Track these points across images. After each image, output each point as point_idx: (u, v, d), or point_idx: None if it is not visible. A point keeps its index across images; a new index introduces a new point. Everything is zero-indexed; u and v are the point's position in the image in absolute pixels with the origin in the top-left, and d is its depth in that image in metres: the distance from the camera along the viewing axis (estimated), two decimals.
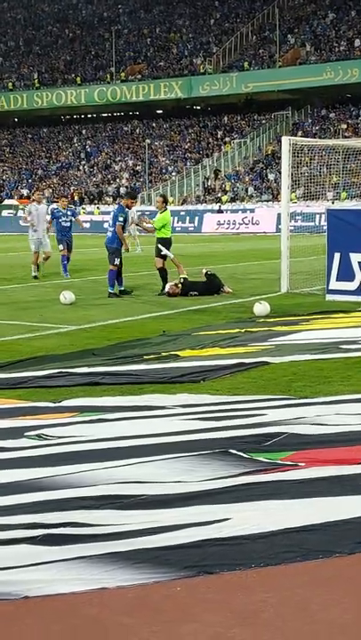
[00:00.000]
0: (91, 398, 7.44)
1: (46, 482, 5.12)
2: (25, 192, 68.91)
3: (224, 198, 57.71)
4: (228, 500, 4.77)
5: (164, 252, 16.12)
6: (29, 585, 3.76)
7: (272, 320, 12.10)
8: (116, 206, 17.08)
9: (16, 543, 4.19)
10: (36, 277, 19.39)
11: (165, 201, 16.83)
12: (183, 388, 7.80)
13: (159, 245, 16.19)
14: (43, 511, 4.59)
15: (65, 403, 7.28)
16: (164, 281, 16.09)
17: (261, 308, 12.73)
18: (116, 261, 15.85)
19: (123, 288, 16.12)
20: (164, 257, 16.19)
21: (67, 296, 14.65)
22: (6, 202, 66.42)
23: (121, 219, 16.04)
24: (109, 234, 16.22)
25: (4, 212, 61.74)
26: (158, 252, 16.23)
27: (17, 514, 4.57)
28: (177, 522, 4.44)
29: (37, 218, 19.82)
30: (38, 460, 5.61)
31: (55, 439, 6.12)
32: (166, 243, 16.27)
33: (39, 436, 6.19)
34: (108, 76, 73.04)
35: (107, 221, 19.81)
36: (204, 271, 16.36)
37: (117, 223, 16.04)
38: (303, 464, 5.41)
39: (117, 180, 66.23)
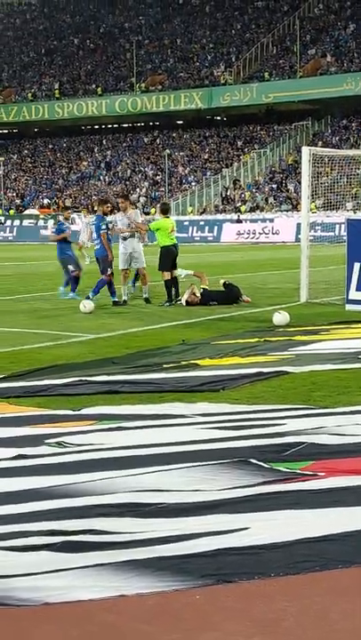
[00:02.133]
0: (110, 406, 7.46)
1: (66, 489, 5.14)
2: (46, 202, 69.26)
3: (243, 208, 57.74)
4: (247, 509, 4.76)
5: (180, 272, 16.17)
6: (49, 591, 3.77)
7: (292, 329, 12.08)
8: (94, 217, 16.81)
9: (36, 550, 4.21)
10: (125, 302, 16.15)
11: (164, 210, 17.03)
12: (203, 397, 7.80)
13: (179, 271, 16.21)
14: (62, 518, 4.61)
15: (85, 411, 7.30)
16: (169, 293, 16.08)
17: (281, 317, 12.71)
18: (109, 271, 15.87)
19: (116, 299, 16.01)
20: (171, 268, 16.26)
21: (86, 305, 14.71)
22: (27, 211, 66.77)
23: (104, 226, 16.04)
24: (98, 246, 16.18)
25: (25, 222, 62.06)
26: (166, 265, 16.24)
27: (37, 521, 4.58)
28: (196, 530, 4.43)
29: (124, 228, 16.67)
30: (58, 467, 5.63)
31: (75, 447, 6.13)
32: (163, 252, 16.33)
33: (59, 444, 6.20)
34: (129, 86, 73.35)
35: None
36: (222, 281, 16.38)
37: (101, 232, 16.02)
38: (323, 474, 5.39)
39: (137, 189, 66.40)
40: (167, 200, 55.92)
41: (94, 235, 16.47)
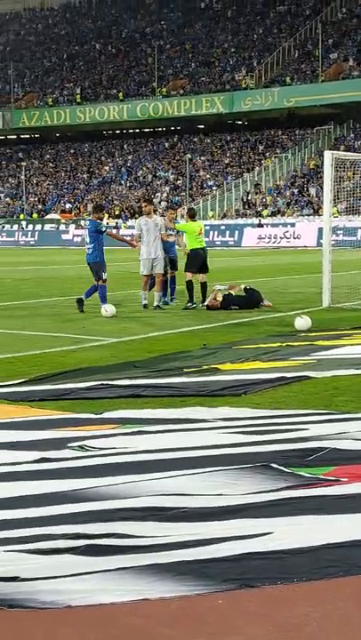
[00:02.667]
0: (132, 410, 7.47)
1: (89, 493, 5.15)
2: (67, 206, 69.52)
3: (265, 212, 57.68)
4: (270, 514, 4.75)
5: (217, 288, 16.19)
6: (72, 594, 3.78)
7: (314, 334, 12.05)
8: (89, 222, 16.38)
9: (59, 553, 4.22)
10: (145, 306, 16.10)
11: (191, 215, 17.08)
12: (224, 402, 7.80)
13: (216, 287, 16.21)
14: (86, 522, 4.62)
15: (107, 414, 7.31)
16: (190, 295, 16.12)
17: (303, 322, 12.68)
18: (104, 276, 15.62)
19: (83, 298, 15.68)
20: (197, 271, 16.27)
21: (108, 309, 14.73)
22: (49, 216, 67.05)
23: (104, 228, 15.85)
24: (89, 250, 15.75)
25: (47, 227, 62.32)
26: (191, 267, 16.28)
27: (60, 524, 4.60)
28: (219, 535, 4.43)
29: (147, 233, 16.13)
30: (81, 470, 5.64)
31: (97, 450, 6.15)
32: (191, 254, 16.35)
33: (82, 447, 6.22)
34: (150, 91, 73.52)
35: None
36: (243, 286, 16.38)
37: (107, 230, 15.96)
38: (345, 479, 5.38)
39: (158, 194, 66.50)
40: (189, 204, 55.94)
41: (87, 239, 15.97)
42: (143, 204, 17.16)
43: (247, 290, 16.20)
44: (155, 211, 17.17)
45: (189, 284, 16.20)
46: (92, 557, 4.16)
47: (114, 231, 16.25)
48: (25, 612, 3.66)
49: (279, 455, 5.93)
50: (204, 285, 16.36)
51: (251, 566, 4.05)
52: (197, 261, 16.38)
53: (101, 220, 16.33)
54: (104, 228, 15.87)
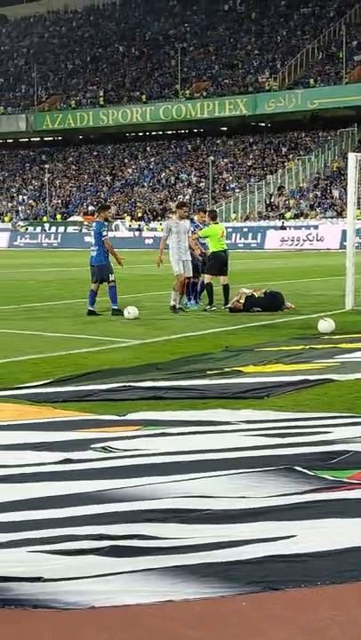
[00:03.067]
0: (155, 412, 7.48)
1: (113, 494, 5.16)
2: (90, 208, 69.73)
3: (288, 215, 57.57)
4: (294, 517, 4.74)
5: (245, 291, 16.16)
6: (96, 595, 3.79)
7: (337, 337, 12.01)
8: (95, 223, 16.23)
9: (83, 554, 4.23)
10: (179, 310, 15.86)
11: (213, 217, 17.07)
12: (247, 404, 7.79)
13: (242, 290, 16.19)
14: (109, 523, 4.63)
15: (129, 416, 7.33)
16: (210, 297, 16.14)
17: (326, 324, 12.64)
18: (112, 277, 15.52)
19: (92, 308, 15.46)
20: (217, 274, 16.27)
21: (130, 311, 14.75)
22: (72, 218, 67.30)
23: (105, 233, 15.69)
24: (94, 252, 15.70)
25: (70, 229, 62.56)
26: (212, 269, 16.28)
27: (84, 525, 4.61)
28: (242, 537, 4.43)
29: (178, 235, 16.05)
30: (104, 472, 5.65)
31: (120, 452, 6.16)
32: (212, 257, 16.37)
33: (105, 449, 6.24)
34: (174, 93, 73.59)
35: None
36: (264, 290, 16.37)
37: (103, 238, 15.58)
38: None
39: (181, 196, 66.58)
40: (211, 207, 55.95)
41: (92, 241, 15.91)
42: (178, 208, 16.95)
43: (268, 292, 16.18)
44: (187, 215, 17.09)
45: (209, 287, 16.21)
46: (116, 558, 4.16)
47: (109, 240, 15.79)
48: (49, 613, 3.67)
49: (303, 458, 5.91)
50: (226, 288, 16.35)
51: (274, 569, 4.04)
52: (219, 264, 16.41)
53: (107, 220, 16.26)
54: (104, 233, 15.67)
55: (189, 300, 16.66)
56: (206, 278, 16.36)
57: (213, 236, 16.46)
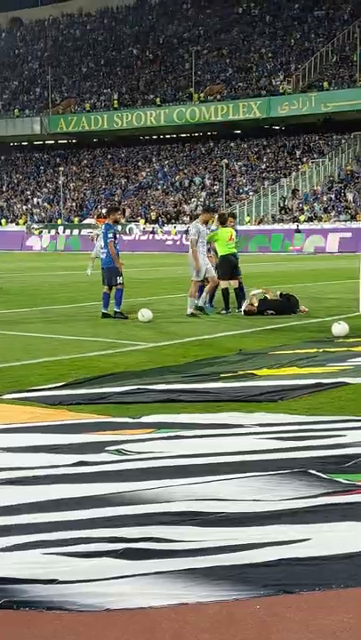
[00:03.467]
0: (169, 415, 7.49)
1: (127, 496, 5.18)
2: (104, 211, 69.78)
3: (302, 218, 57.49)
4: (308, 520, 4.74)
5: (254, 292, 16.17)
6: (110, 597, 3.80)
7: (351, 340, 11.99)
8: (104, 226, 16.12)
9: (98, 556, 4.24)
10: (193, 314, 15.76)
11: (222, 221, 16.95)
12: (261, 407, 7.79)
13: (254, 292, 16.18)
14: (124, 525, 4.64)
15: (143, 419, 7.34)
16: (226, 302, 16.11)
17: (340, 328, 12.62)
18: (120, 280, 15.54)
19: (106, 311, 15.49)
20: (228, 278, 16.27)
21: (145, 314, 14.76)
22: (86, 221, 67.40)
23: (110, 235, 15.60)
24: (103, 255, 15.73)
25: (84, 232, 62.66)
26: (224, 274, 16.27)
27: (99, 527, 4.62)
28: (256, 540, 4.43)
29: (203, 239, 16.09)
30: (119, 474, 5.67)
31: (134, 454, 6.18)
32: (221, 261, 16.39)
33: (119, 451, 6.25)
34: (188, 96, 73.62)
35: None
36: (279, 292, 16.36)
37: (108, 241, 15.58)
38: None
39: (195, 199, 66.58)
40: (224, 210, 55.93)
41: (102, 243, 15.87)
42: (206, 213, 16.95)
43: (283, 295, 16.17)
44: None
45: (225, 292, 16.20)
46: (131, 561, 4.18)
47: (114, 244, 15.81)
48: (63, 615, 3.69)
49: (317, 461, 5.91)
50: (238, 290, 16.35)
51: (288, 572, 4.05)
52: (229, 268, 16.38)
53: (117, 222, 16.22)
54: (110, 235, 15.61)
55: (209, 304, 16.58)
56: (222, 284, 16.33)
57: (221, 240, 16.44)
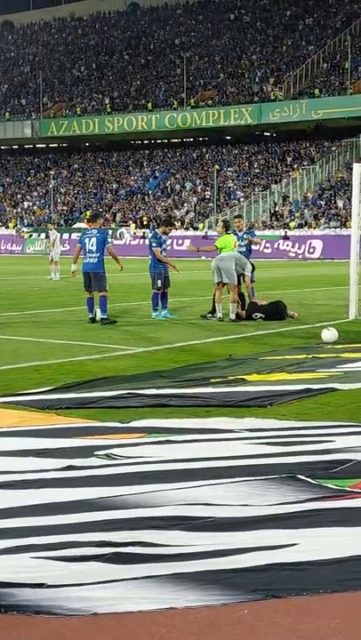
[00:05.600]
0: (158, 420, 7.49)
1: (115, 501, 5.17)
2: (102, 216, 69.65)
3: (292, 224, 57.60)
4: (295, 525, 4.75)
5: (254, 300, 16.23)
6: (98, 602, 3.80)
7: (340, 347, 12.02)
8: (96, 231, 15.95)
9: (86, 560, 4.24)
10: (221, 319, 15.80)
11: (226, 227, 17.07)
12: (250, 413, 7.80)
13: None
14: (112, 530, 4.64)
15: (133, 423, 7.34)
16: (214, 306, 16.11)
17: (329, 334, 12.65)
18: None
19: (92, 315, 15.49)
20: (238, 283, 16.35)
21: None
22: (76, 225, 67.34)
23: (109, 240, 16.28)
24: (95, 260, 15.64)
25: (74, 235, 62.60)
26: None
27: (87, 531, 4.62)
28: (244, 545, 4.44)
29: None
30: (107, 479, 5.67)
31: (124, 459, 6.17)
32: None
33: (108, 456, 6.25)
34: (179, 102, 73.72)
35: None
36: (268, 302, 16.39)
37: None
38: None
39: (186, 204, 66.63)
40: (216, 215, 55.98)
41: (93, 248, 15.62)
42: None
43: (272, 302, 16.21)
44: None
45: (242, 297, 16.27)
46: (119, 565, 4.18)
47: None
48: (51, 619, 3.68)
49: (305, 467, 5.93)
50: (242, 295, 16.44)
51: (276, 577, 4.06)
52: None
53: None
54: (109, 241, 15.94)
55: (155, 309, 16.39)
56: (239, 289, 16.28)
57: (228, 246, 16.40)
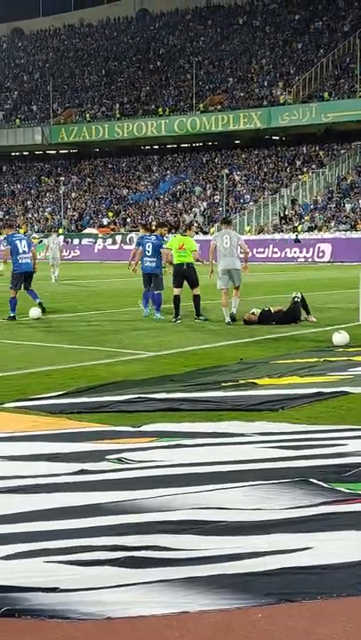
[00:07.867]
0: (170, 424, 7.49)
1: (128, 505, 5.17)
2: (105, 221, 69.86)
3: (299, 228, 57.54)
4: (309, 529, 4.74)
5: (253, 311, 16.24)
6: (112, 606, 3.79)
7: (352, 350, 11.99)
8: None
9: (99, 564, 4.24)
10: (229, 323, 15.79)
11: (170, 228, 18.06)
12: (261, 416, 7.79)
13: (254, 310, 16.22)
14: (125, 534, 4.64)
15: (144, 427, 7.34)
16: (177, 309, 16.25)
17: (341, 337, 12.62)
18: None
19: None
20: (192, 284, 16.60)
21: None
22: (86, 230, 67.45)
23: (165, 245, 17.20)
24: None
25: (85, 241, 62.72)
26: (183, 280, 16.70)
27: (100, 535, 4.61)
28: (258, 549, 4.43)
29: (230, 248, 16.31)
30: (120, 483, 5.66)
31: (135, 463, 6.17)
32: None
33: (120, 460, 6.25)
34: (189, 106, 73.80)
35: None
36: (294, 294, 16.33)
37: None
38: None
39: (195, 209, 66.64)
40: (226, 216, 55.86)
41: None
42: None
43: (294, 302, 16.13)
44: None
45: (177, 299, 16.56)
46: (132, 569, 4.17)
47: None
48: (64, 623, 3.68)
49: (317, 470, 5.91)
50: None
51: (290, 581, 4.04)
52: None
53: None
54: (165, 245, 17.16)
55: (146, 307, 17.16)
56: (175, 291, 16.58)
57: (174, 245, 16.99)
